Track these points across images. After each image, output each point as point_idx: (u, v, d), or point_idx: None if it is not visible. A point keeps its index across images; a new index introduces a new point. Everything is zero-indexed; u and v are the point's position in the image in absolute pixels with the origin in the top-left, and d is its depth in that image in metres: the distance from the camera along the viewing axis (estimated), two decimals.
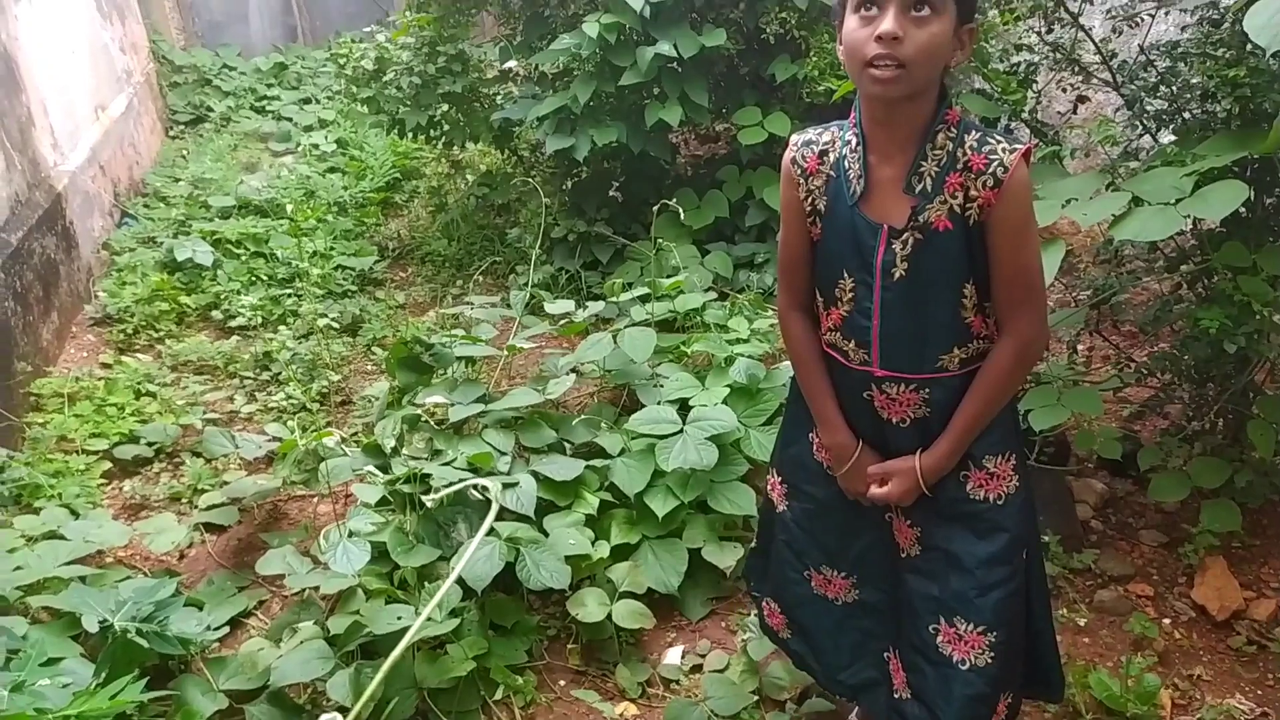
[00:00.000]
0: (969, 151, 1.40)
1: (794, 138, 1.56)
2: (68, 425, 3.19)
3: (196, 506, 2.89)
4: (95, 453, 3.14)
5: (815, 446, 1.70)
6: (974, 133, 1.42)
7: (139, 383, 3.53)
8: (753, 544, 2.01)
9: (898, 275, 1.46)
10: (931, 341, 1.50)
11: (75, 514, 2.74)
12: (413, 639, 1.89)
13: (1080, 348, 2.96)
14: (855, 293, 1.50)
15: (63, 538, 2.46)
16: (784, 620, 1.85)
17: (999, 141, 1.41)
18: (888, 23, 1.30)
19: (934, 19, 1.31)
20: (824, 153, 1.51)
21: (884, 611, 1.71)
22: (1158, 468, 2.54)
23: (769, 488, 1.83)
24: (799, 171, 1.53)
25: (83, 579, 2.31)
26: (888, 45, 1.31)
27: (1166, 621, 2.40)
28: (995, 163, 1.39)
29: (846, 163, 1.48)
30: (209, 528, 2.81)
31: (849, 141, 1.48)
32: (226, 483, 2.92)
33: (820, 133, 1.54)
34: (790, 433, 1.77)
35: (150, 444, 3.21)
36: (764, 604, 1.90)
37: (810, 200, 1.53)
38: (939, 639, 1.58)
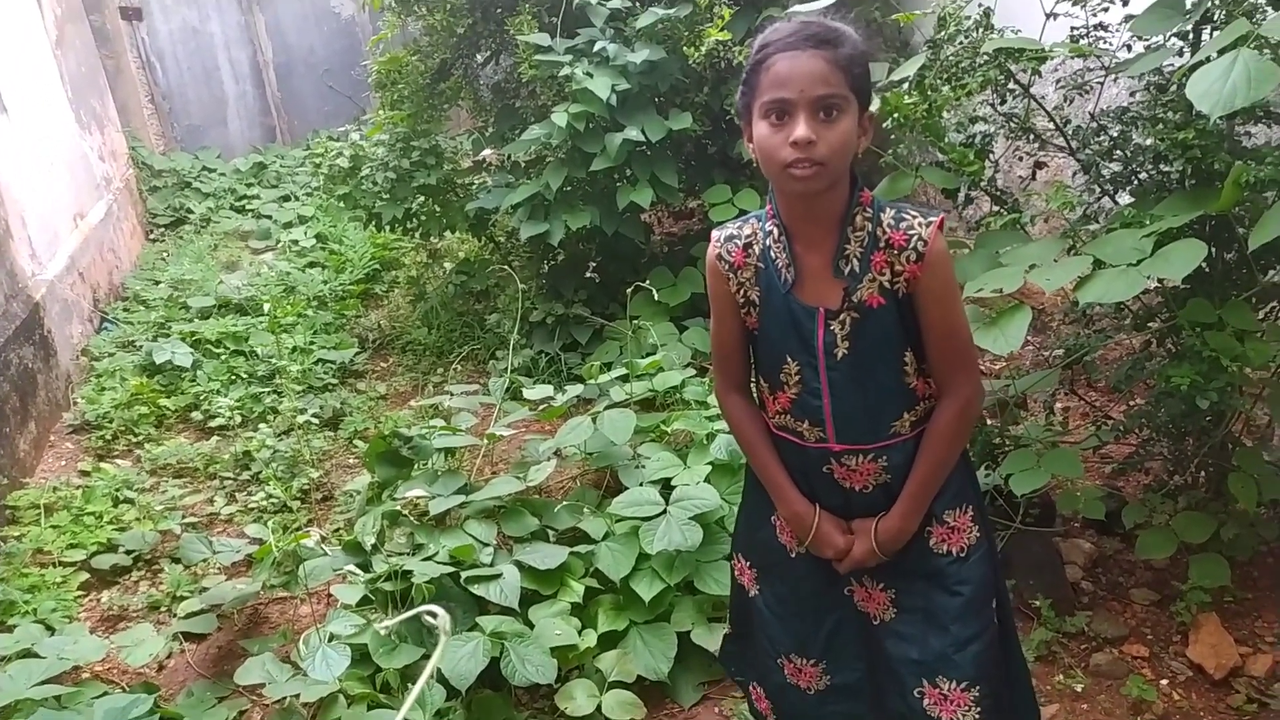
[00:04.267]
0: (888, 230, 1.47)
1: (715, 234, 1.60)
2: (44, 537, 3.14)
3: (176, 615, 2.83)
4: (72, 564, 3.09)
5: (778, 528, 1.71)
6: (889, 211, 1.49)
7: (117, 489, 3.50)
8: (726, 629, 1.98)
9: (840, 354, 1.51)
10: (882, 411, 1.55)
11: (51, 629, 2.68)
12: None
13: (1057, 407, 2.97)
14: (801, 375, 1.54)
15: (37, 656, 2.41)
16: (769, 705, 1.83)
17: (914, 216, 1.48)
18: (800, 129, 1.36)
19: (841, 117, 1.39)
20: (748, 245, 1.56)
21: (861, 690, 1.70)
22: (1143, 524, 2.53)
23: (737, 572, 1.82)
24: (726, 266, 1.57)
25: (57, 699, 2.25)
26: (803, 150, 1.37)
27: (1164, 683, 2.36)
28: (915, 237, 1.46)
29: (772, 253, 1.53)
30: (188, 636, 2.75)
31: (770, 232, 1.53)
32: (206, 589, 2.87)
33: (740, 226, 1.58)
34: (754, 517, 1.77)
35: (129, 552, 3.16)
36: (751, 688, 1.87)
37: (742, 292, 1.57)
38: (925, 702, 1.58)
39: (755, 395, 1.70)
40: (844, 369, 1.51)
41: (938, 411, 1.56)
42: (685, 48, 3.76)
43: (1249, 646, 2.40)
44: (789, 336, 1.53)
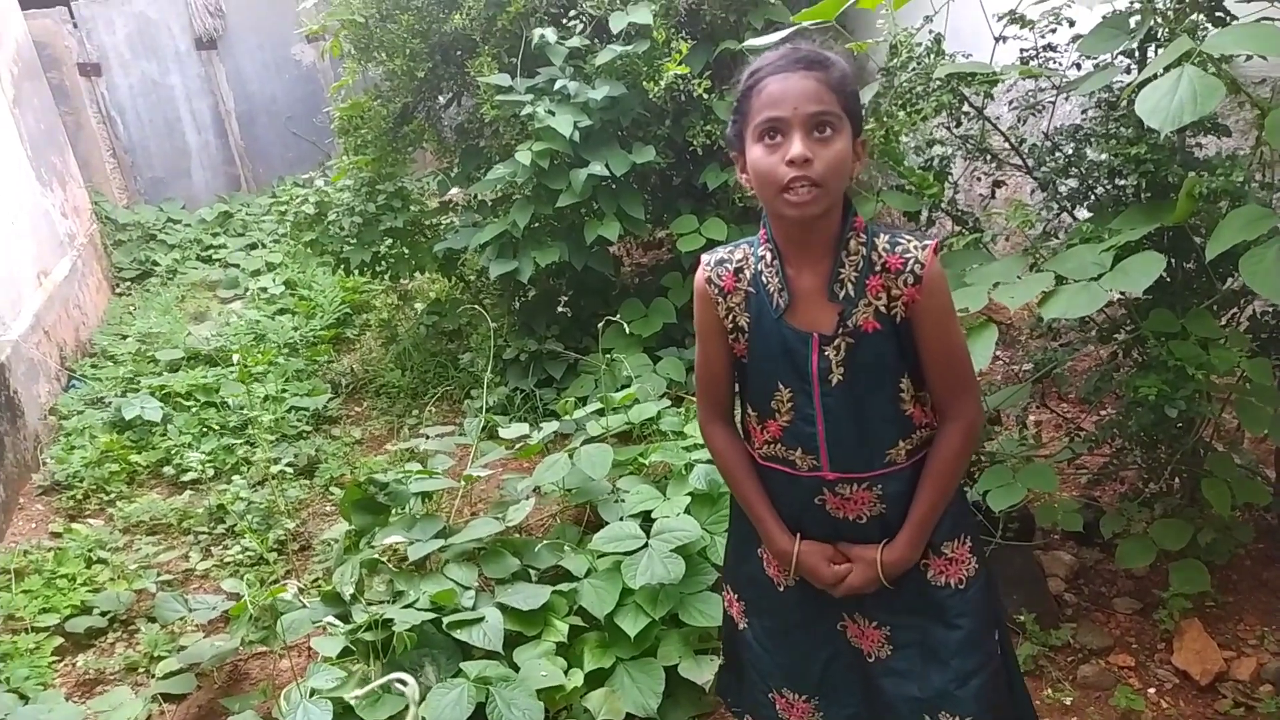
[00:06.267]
0: (883, 254, 1.46)
1: (705, 258, 1.57)
2: (15, 603, 3.08)
3: (154, 675, 2.78)
4: (45, 629, 3.03)
5: (766, 561, 1.68)
6: (883, 235, 1.48)
7: (90, 550, 3.44)
8: (721, 660, 1.97)
9: (835, 380, 1.48)
10: (878, 438, 1.52)
11: (25, 698, 2.63)
12: None
13: (1030, 420, 2.99)
14: (794, 402, 1.51)
15: None
16: None
17: (909, 240, 1.47)
18: (797, 146, 1.35)
19: (836, 137, 1.38)
20: (739, 270, 1.53)
21: None
22: (1121, 534, 2.55)
23: (727, 604, 1.81)
24: (716, 291, 1.55)
25: None
26: (800, 168, 1.35)
27: (1151, 691, 2.37)
28: (911, 260, 1.45)
29: (764, 277, 1.51)
30: (167, 697, 2.70)
31: (763, 257, 1.51)
32: (184, 647, 2.82)
33: (731, 251, 1.56)
34: (741, 549, 1.74)
35: (103, 614, 3.11)
36: None
37: (731, 318, 1.55)
38: None
39: (741, 426, 1.67)
40: (839, 395, 1.48)
41: (941, 437, 1.54)
42: (645, 82, 3.80)
43: (1233, 650, 2.41)
44: (781, 363, 1.50)
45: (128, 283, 6.58)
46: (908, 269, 1.44)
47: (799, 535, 1.60)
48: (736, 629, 1.77)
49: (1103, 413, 3.00)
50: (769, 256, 1.50)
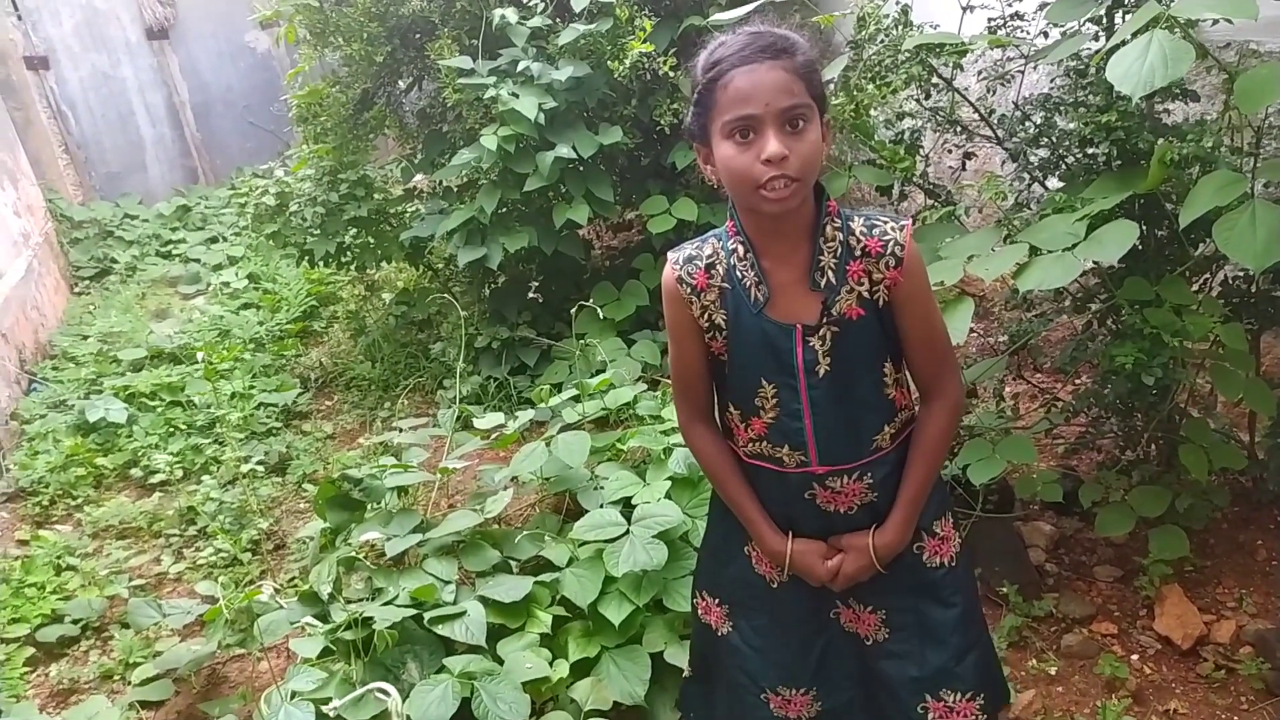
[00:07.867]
0: (861, 237, 1.43)
1: (672, 255, 1.52)
2: None
3: (130, 683, 2.72)
4: (16, 640, 2.96)
5: (755, 559, 1.65)
6: (858, 219, 1.45)
7: (59, 557, 3.36)
8: (686, 673, 1.95)
9: (822, 371, 1.45)
10: (865, 426, 1.51)
11: None
12: None
13: (1006, 392, 2.99)
14: (779, 397, 1.48)
15: None
16: None
17: (885, 222, 1.44)
18: (773, 145, 1.30)
19: (809, 128, 1.34)
20: (710, 266, 1.49)
21: (850, 710, 1.67)
22: (1100, 502, 2.55)
23: (701, 611, 1.77)
24: (689, 290, 1.49)
25: None
26: (778, 166, 1.31)
27: (1135, 658, 2.38)
28: (891, 242, 1.42)
29: (738, 272, 1.46)
30: (145, 705, 2.64)
31: (734, 250, 1.47)
32: (160, 653, 2.76)
33: (699, 246, 1.51)
34: (724, 552, 1.71)
35: (75, 621, 3.04)
36: None
37: (707, 316, 1.50)
38: (930, 717, 1.57)
39: (722, 424, 1.63)
40: (825, 386, 1.45)
41: (927, 416, 1.53)
42: (609, 62, 3.74)
43: (1212, 614, 2.43)
44: (763, 358, 1.47)
45: (86, 281, 6.43)
46: (888, 251, 1.42)
47: (790, 533, 1.57)
48: (716, 636, 1.73)
49: (1078, 382, 3.01)
50: (741, 250, 1.45)
